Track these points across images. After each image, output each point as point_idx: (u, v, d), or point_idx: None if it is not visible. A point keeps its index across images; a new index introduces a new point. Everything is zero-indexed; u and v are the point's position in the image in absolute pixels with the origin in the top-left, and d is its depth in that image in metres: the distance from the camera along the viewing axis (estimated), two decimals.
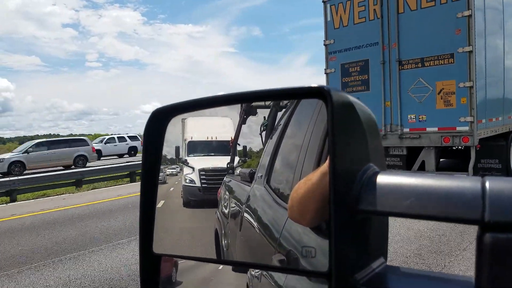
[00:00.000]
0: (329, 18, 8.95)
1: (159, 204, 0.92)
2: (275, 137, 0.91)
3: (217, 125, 0.88)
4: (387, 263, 0.58)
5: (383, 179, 0.53)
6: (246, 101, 0.84)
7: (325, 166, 0.54)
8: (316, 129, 0.73)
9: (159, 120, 0.78)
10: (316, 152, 0.71)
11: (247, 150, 0.96)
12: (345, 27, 8.84)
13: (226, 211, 0.98)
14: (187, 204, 0.90)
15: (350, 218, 0.52)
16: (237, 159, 0.94)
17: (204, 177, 0.89)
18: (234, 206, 0.96)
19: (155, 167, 0.78)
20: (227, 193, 0.98)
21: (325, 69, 9.34)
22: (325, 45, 9.19)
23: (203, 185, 0.88)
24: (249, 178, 0.94)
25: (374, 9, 8.46)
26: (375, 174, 0.54)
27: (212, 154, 0.93)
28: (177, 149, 0.90)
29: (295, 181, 0.76)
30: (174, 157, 0.95)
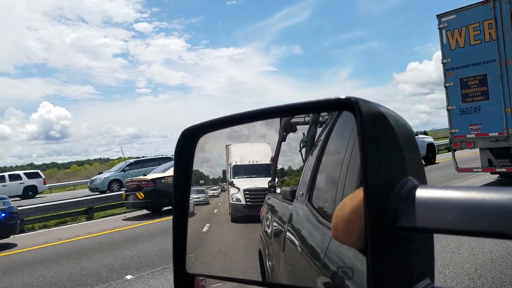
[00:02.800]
0: (445, 41, 10.67)
1: (205, 229, 0.98)
2: (315, 153, 0.90)
3: (257, 150, 0.98)
4: (434, 285, 0.54)
5: (423, 193, 0.50)
6: (273, 116, 0.85)
7: None
8: (357, 143, 0.72)
9: (189, 139, 0.80)
10: (359, 168, 0.69)
11: (287, 167, 0.96)
12: (461, 48, 10.39)
13: (269, 231, 0.98)
14: (234, 220, 1.01)
15: (389, 236, 0.50)
16: (278, 179, 0.96)
17: (248, 196, 1.00)
18: (277, 226, 0.95)
19: (186, 185, 0.80)
20: (269, 212, 0.98)
21: (444, 83, 10.88)
22: (442, 63, 10.83)
23: (247, 203, 0.99)
24: (291, 197, 0.93)
25: (490, 33, 9.91)
26: (414, 188, 0.51)
27: (254, 176, 1.02)
28: (224, 172, 1.03)
29: (338, 198, 0.75)
30: (216, 178, 1.04)
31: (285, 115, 0.84)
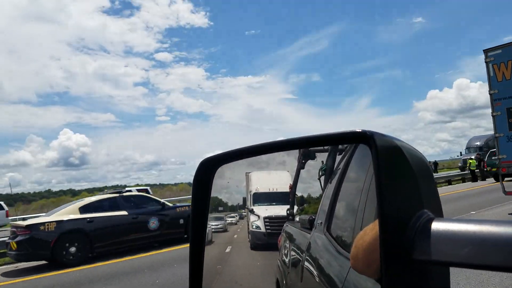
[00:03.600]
0: (492, 74, 11.29)
1: (227, 249, 0.99)
2: (334, 181, 0.91)
3: (277, 178, 0.99)
4: None
5: (438, 226, 0.51)
6: (291, 148, 0.86)
7: None
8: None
9: (207, 169, 0.82)
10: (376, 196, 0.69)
11: (306, 195, 0.97)
12: (507, 80, 11.04)
13: (287, 260, 0.98)
14: (254, 247, 1.00)
15: (404, 269, 0.50)
16: (296, 207, 0.96)
17: (268, 223, 1.00)
18: (295, 255, 0.95)
19: (203, 215, 0.82)
20: (287, 240, 0.98)
21: (491, 112, 11.38)
22: (490, 94, 11.34)
23: (267, 231, 0.99)
24: (309, 225, 0.94)
25: None
26: (430, 221, 0.52)
27: (274, 203, 1.03)
28: (244, 199, 1.04)
29: (357, 228, 0.75)
30: (235, 205, 1.05)
31: (303, 147, 0.86)
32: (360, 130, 0.55)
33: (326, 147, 0.92)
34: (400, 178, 0.53)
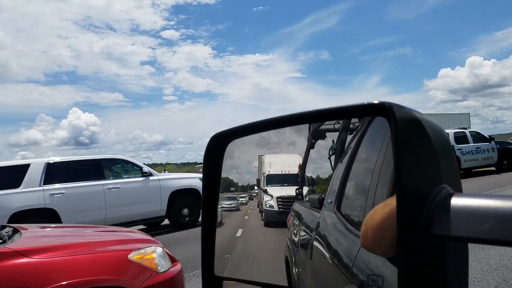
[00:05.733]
0: None
1: (238, 233, 1.05)
2: (345, 161, 0.91)
3: (289, 160, 1.04)
4: None
5: (458, 201, 0.51)
6: (304, 122, 0.86)
7: None
8: (389, 150, 0.72)
9: (218, 144, 0.82)
10: (390, 176, 0.69)
11: (316, 175, 0.97)
12: None
13: (296, 239, 0.99)
14: (267, 224, 1.09)
15: (421, 244, 0.50)
16: (306, 187, 0.98)
17: (281, 203, 1.07)
18: (304, 234, 0.96)
19: (215, 191, 0.82)
20: (296, 220, 0.99)
21: None
22: None
23: (280, 209, 1.07)
24: (319, 204, 0.94)
25: None
26: (449, 196, 0.52)
27: (286, 184, 1.09)
28: (258, 180, 1.12)
29: (368, 207, 0.75)
30: (245, 185, 1.12)
31: (316, 120, 0.85)
32: (378, 102, 0.55)
33: (337, 126, 0.92)
34: (419, 152, 0.53)
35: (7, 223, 6.52)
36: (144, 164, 11.74)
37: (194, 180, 11.57)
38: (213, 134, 0.81)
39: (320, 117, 0.82)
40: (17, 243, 3.05)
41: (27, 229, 3.73)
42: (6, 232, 3.41)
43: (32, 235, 3.64)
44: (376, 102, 0.55)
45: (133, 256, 3.34)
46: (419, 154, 0.53)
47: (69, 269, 2.96)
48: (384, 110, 0.53)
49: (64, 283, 2.82)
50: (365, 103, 0.58)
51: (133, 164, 11.46)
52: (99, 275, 3.06)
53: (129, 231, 4.97)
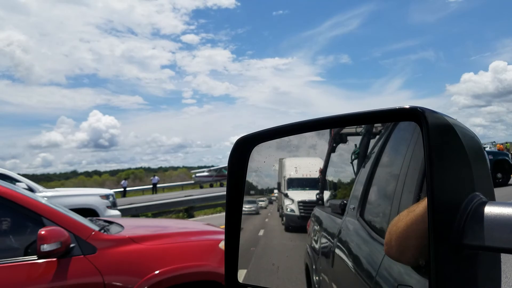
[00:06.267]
0: None
1: (260, 233, 1.04)
2: (368, 166, 0.89)
3: (311, 164, 1.02)
4: None
5: (492, 210, 0.49)
6: (330, 126, 0.84)
7: None
8: (415, 155, 0.70)
9: (243, 148, 0.81)
10: (416, 182, 0.67)
11: (337, 180, 0.95)
12: None
13: (317, 246, 0.97)
14: (287, 229, 1.07)
15: (454, 254, 0.48)
16: (329, 191, 0.96)
17: (302, 207, 1.06)
18: (325, 241, 0.94)
19: (239, 195, 0.81)
20: (316, 225, 0.97)
21: None
22: None
23: (301, 214, 1.05)
24: (340, 210, 0.92)
25: None
26: (482, 205, 0.50)
27: (307, 188, 1.07)
28: (279, 184, 1.10)
29: (393, 213, 0.73)
30: (264, 189, 1.10)
31: (345, 124, 0.83)
32: (409, 107, 0.53)
33: (358, 130, 0.90)
34: (452, 159, 0.51)
35: None
36: (26, 178, 9.67)
37: (92, 198, 8.99)
38: (238, 138, 0.81)
39: (350, 122, 0.80)
40: (126, 231, 3.26)
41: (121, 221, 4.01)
42: (104, 223, 3.65)
43: (132, 224, 3.92)
44: (407, 107, 0.54)
45: (222, 245, 3.50)
46: (452, 161, 0.51)
47: (174, 254, 3.17)
48: (416, 115, 0.52)
49: (172, 267, 3.03)
50: (397, 107, 0.56)
51: (12, 179, 9.39)
52: (201, 261, 3.25)
53: (200, 223, 5.32)
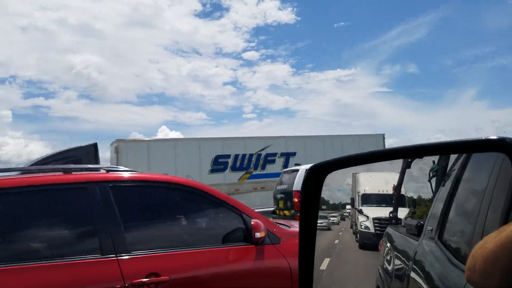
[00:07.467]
0: None
1: (323, 266, 0.98)
2: (448, 184, 0.84)
3: (386, 179, 0.98)
4: None
5: None
6: (408, 157, 0.81)
7: None
8: (503, 174, 0.65)
9: (317, 175, 0.81)
10: (503, 202, 0.62)
11: (414, 198, 0.91)
12: None
13: (390, 268, 0.93)
14: (362, 246, 1.03)
15: None
16: (403, 209, 0.92)
17: (377, 224, 1.01)
18: (399, 263, 0.90)
19: (313, 223, 0.80)
20: (390, 246, 0.93)
21: None
22: None
23: (376, 231, 1.00)
24: (417, 231, 0.88)
25: None
26: None
27: (384, 205, 1.04)
28: (352, 200, 1.07)
29: (476, 236, 0.69)
30: (337, 204, 1.08)
31: (427, 154, 0.80)
32: (497, 138, 0.50)
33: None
34: None
35: None
36: None
37: None
38: (312, 165, 0.81)
39: (432, 151, 0.76)
40: (294, 228, 3.37)
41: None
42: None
43: (292, 224, 4.04)
44: (494, 138, 0.51)
45: None
46: None
47: None
48: (504, 146, 0.49)
49: None
50: (483, 138, 0.53)
51: None
52: None
53: None
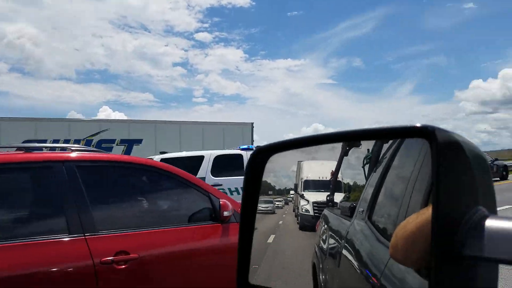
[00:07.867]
0: None
1: (270, 239, 1.09)
2: (379, 170, 0.92)
3: (327, 167, 1.07)
4: None
5: (492, 223, 0.52)
6: (344, 140, 0.88)
7: None
8: (426, 161, 0.73)
9: (261, 157, 0.86)
10: (425, 187, 0.69)
11: (348, 183, 0.99)
12: None
13: (324, 246, 1.01)
14: (302, 228, 1.14)
15: (454, 264, 0.51)
16: (340, 194, 1.00)
17: (316, 208, 1.11)
18: (333, 241, 0.98)
19: (254, 200, 0.85)
20: (325, 227, 1.01)
21: None
22: None
23: (315, 214, 1.11)
24: (349, 213, 0.96)
25: None
26: (484, 218, 0.53)
27: (322, 190, 1.13)
28: (295, 185, 1.16)
29: (401, 217, 0.76)
30: (282, 189, 1.17)
31: (358, 139, 0.87)
32: (421, 125, 0.56)
33: None
34: (458, 175, 0.54)
35: None
36: None
37: None
38: (256, 147, 0.86)
39: (361, 137, 0.83)
40: None
41: None
42: None
43: None
44: (418, 125, 0.57)
45: None
46: (458, 177, 0.54)
47: None
48: (426, 133, 0.55)
49: None
50: (408, 125, 0.59)
51: None
52: None
53: None
